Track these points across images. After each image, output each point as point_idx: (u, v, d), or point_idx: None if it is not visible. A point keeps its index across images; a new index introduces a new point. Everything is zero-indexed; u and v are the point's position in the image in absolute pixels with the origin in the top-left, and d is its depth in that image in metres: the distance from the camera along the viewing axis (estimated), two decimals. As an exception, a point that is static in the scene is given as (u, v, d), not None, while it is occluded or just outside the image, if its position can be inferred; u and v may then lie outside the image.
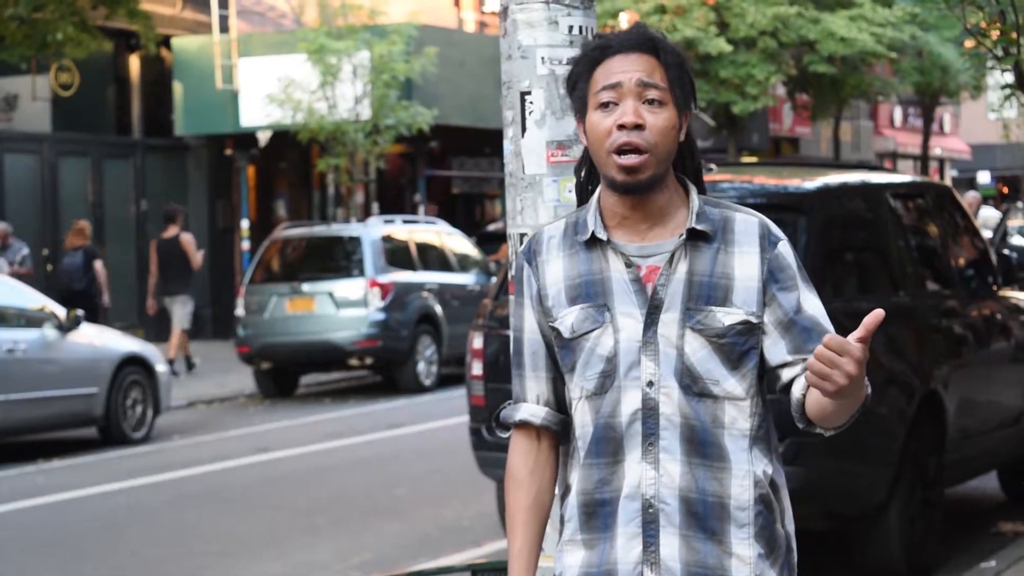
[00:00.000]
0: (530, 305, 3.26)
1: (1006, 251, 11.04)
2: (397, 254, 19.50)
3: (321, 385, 20.57)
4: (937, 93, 40.17)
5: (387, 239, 19.49)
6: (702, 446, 3.12)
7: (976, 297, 9.53)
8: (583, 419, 3.19)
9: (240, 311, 19.32)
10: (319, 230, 20.46)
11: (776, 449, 3.24)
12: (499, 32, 4.56)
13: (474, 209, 32.34)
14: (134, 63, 25.86)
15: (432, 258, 20.16)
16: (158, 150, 26.28)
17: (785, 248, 3.20)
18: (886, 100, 43.98)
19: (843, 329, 3.02)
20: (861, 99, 39.00)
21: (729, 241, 3.17)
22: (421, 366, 19.15)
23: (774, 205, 8.09)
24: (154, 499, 12.16)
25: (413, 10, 25.52)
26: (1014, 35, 7.75)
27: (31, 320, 14.77)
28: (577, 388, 3.20)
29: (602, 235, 3.18)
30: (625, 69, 3.14)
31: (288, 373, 19.60)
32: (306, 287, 18.98)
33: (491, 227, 25.47)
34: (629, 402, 3.13)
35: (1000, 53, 7.93)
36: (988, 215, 26.19)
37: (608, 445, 3.15)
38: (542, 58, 4.44)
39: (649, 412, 3.12)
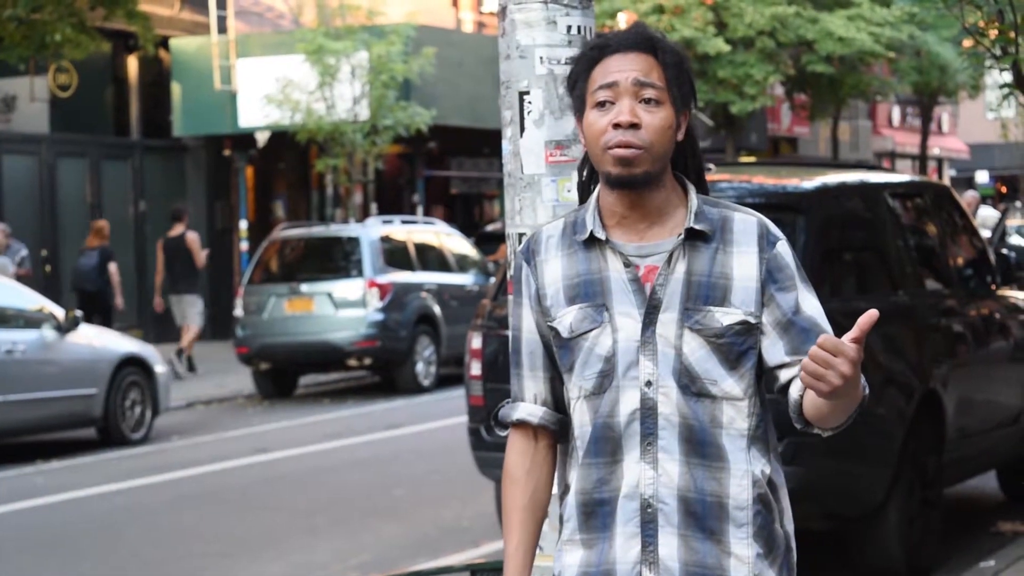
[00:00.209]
0: (528, 305, 3.26)
1: (1004, 250, 11.05)
2: (396, 254, 19.50)
3: (320, 386, 20.57)
4: (935, 93, 40.19)
5: (386, 239, 19.48)
6: (700, 446, 3.12)
7: (975, 296, 9.53)
8: (581, 419, 3.19)
9: (239, 312, 19.32)
10: (318, 231, 20.46)
11: (775, 449, 3.24)
12: (497, 32, 4.55)
13: (472, 209, 32.34)
14: (132, 64, 25.86)
15: (431, 258, 20.16)
16: (156, 151, 26.28)
17: (784, 248, 3.20)
18: (884, 100, 43.99)
19: (841, 329, 3.02)
20: (859, 99, 39.00)
21: (728, 241, 3.17)
22: (420, 366, 19.15)
23: (772, 205, 8.09)
24: (153, 500, 12.15)
25: (411, 10, 25.52)
26: (1012, 34, 7.75)
27: (30, 321, 14.77)
28: (575, 388, 3.20)
29: (600, 234, 3.18)
30: (622, 68, 3.14)
31: (287, 374, 19.60)
32: (305, 288, 18.98)
33: (490, 227, 25.46)
34: (627, 402, 3.13)
35: (998, 52, 7.93)
36: (986, 215, 26.19)
37: (607, 445, 3.15)
38: (540, 58, 4.44)
39: (647, 412, 3.12)
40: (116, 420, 15.19)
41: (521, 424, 3.28)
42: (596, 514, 3.16)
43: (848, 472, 8.01)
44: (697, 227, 3.16)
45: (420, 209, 28.52)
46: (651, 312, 3.14)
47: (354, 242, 19.15)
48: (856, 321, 2.91)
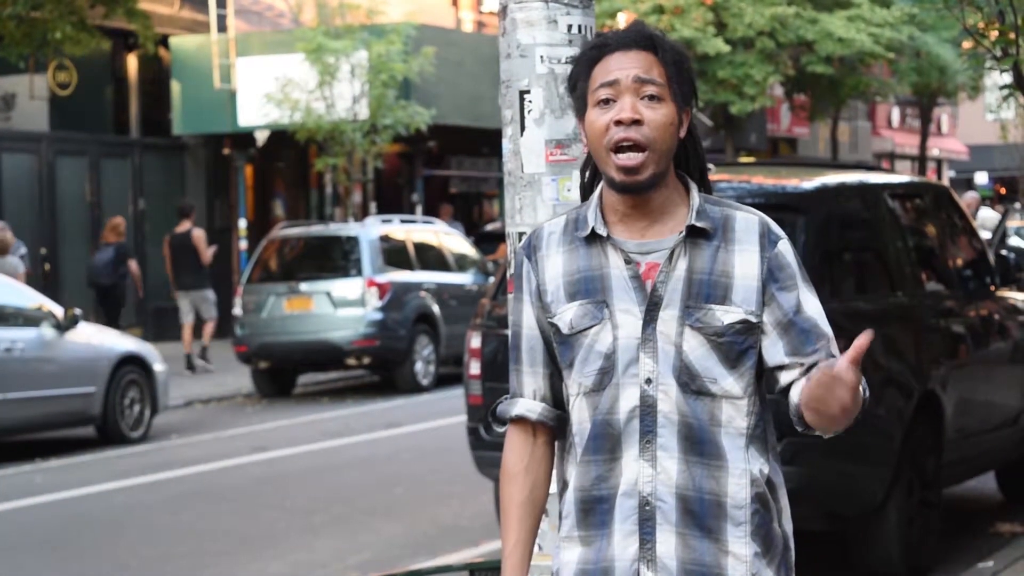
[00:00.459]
0: (529, 301, 3.26)
1: (1003, 251, 11.05)
2: (395, 254, 19.50)
3: (319, 385, 20.57)
4: (935, 94, 40.20)
5: (385, 239, 19.48)
6: (699, 444, 3.12)
7: (974, 297, 9.53)
8: (581, 415, 3.19)
9: (238, 310, 19.33)
10: (317, 230, 20.46)
11: (774, 448, 3.24)
12: (498, 31, 4.56)
13: (472, 209, 32.34)
14: (132, 62, 25.85)
15: (430, 258, 20.15)
16: (156, 149, 26.27)
17: (785, 247, 3.20)
18: (884, 101, 44.00)
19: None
20: (859, 99, 39.04)
21: (729, 239, 3.17)
22: (419, 366, 19.15)
23: (772, 205, 8.09)
24: (152, 498, 12.15)
25: (411, 10, 25.53)
26: (1012, 35, 7.75)
27: (29, 319, 14.77)
28: (575, 384, 3.20)
29: (602, 231, 3.18)
30: (623, 66, 3.14)
31: (286, 372, 19.61)
32: (304, 287, 18.98)
33: (489, 227, 25.47)
34: (627, 399, 3.13)
35: (999, 53, 7.93)
36: (987, 216, 26.20)
37: (606, 442, 3.15)
38: (541, 57, 4.44)
39: (647, 409, 3.12)
40: (115, 418, 15.19)
41: (519, 420, 3.28)
42: (594, 511, 3.16)
43: (847, 472, 8.02)
44: (699, 225, 3.16)
45: (420, 208, 28.52)
46: (652, 309, 3.14)
47: (353, 241, 19.15)
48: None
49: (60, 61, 23.56)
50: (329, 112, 23.32)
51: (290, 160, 28.25)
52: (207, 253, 20.92)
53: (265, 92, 23.99)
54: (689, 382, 3.12)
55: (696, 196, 3.21)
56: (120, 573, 9.64)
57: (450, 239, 21.08)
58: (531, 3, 4.45)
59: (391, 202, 28.15)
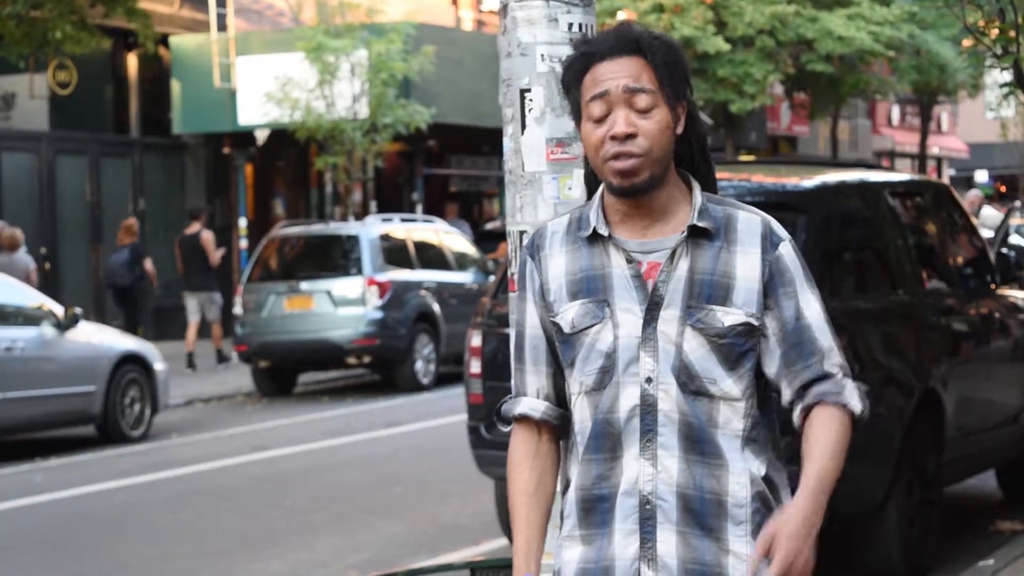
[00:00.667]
0: (532, 300, 3.26)
1: (1004, 250, 11.05)
2: (395, 253, 19.50)
3: (319, 383, 20.57)
4: (935, 92, 40.20)
5: (385, 238, 19.48)
6: (700, 443, 3.12)
7: (974, 296, 9.53)
8: (582, 414, 3.19)
9: (238, 309, 19.33)
10: (317, 229, 20.47)
11: (778, 447, 3.24)
12: (498, 30, 4.55)
13: (472, 208, 32.35)
14: (132, 61, 25.85)
15: (430, 257, 20.15)
16: (156, 149, 26.27)
17: (786, 250, 3.19)
18: (884, 99, 44.00)
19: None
20: (859, 98, 39.04)
21: (731, 240, 3.16)
22: (419, 364, 19.15)
23: (772, 203, 8.08)
24: (152, 497, 12.15)
25: (411, 9, 25.54)
26: (1013, 33, 7.75)
27: (29, 318, 14.77)
28: (576, 383, 3.20)
29: (603, 231, 3.18)
30: (612, 76, 3.12)
31: (286, 371, 19.61)
32: (304, 285, 18.98)
33: (489, 225, 25.47)
34: (627, 398, 3.13)
35: (999, 51, 7.93)
36: (989, 214, 26.18)
37: (606, 441, 3.15)
38: (542, 55, 4.43)
39: (647, 408, 3.12)
40: (115, 418, 15.19)
41: (524, 419, 3.28)
42: (595, 510, 3.16)
43: (847, 471, 7.98)
44: (700, 224, 3.15)
45: (420, 207, 28.53)
46: (652, 308, 3.13)
47: (353, 240, 19.16)
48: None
49: (60, 60, 23.56)
50: (329, 111, 23.32)
51: (290, 159, 28.25)
52: (215, 255, 21.10)
53: (265, 91, 24.00)
54: (688, 382, 3.12)
55: (699, 195, 3.20)
56: (120, 572, 9.64)
57: (450, 238, 21.09)
58: (532, 1, 4.45)
59: (391, 201, 28.15)
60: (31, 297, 15.17)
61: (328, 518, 10.88)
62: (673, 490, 3.11)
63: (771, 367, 3.16)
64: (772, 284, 3.15)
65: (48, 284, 21.70)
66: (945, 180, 44.71)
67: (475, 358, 9.21)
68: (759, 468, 3.16)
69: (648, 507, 3.11)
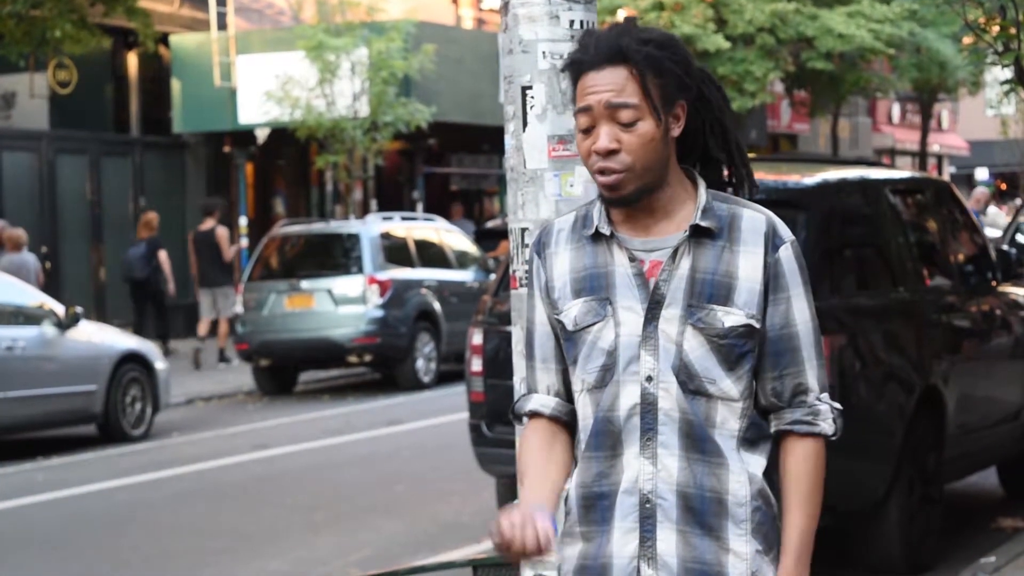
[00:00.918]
0: (539, 297, 3.27)
1: (1005, 247, 11.05)
2: (395, 251, 19.50)
3: (320, 382, 20.57)
4: (935, 89, 40.18)
5: (385, 236, 19.49)
6: (700, 442, 3.11)
7: (975, 293, 9.53)
8: (584, 412, 3.20)
9: (239, 308, 19.33)
10: (317, 227, 20.47)
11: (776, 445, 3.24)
12: (500, 27, 4.55)
13: (473, 206, 32.35)
14: (132, 60, 25.85)
15: (431, 255, 20.15)
16: (156, 148, 26.27)
17: (787, 253, 3.17)
18: (884, 96, 43.98)
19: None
20: (859, 95, 39.03)
21: (735, 239, 3.15)
22: (420, 363, 19.14)
23: (773, 201, 8.05)
24: (153, 496, 12.16)
25: (411, 7, 25.53)
26: (1013, 31, 7.75)
27: (30, 317, 14.77)
28: (579, 381, 3.20)
29: (606, 230, 3.18)
30: (595, 89, 3.10)
31: (287, 370, 19.61)
32: (305, 284, 18.98)
33: (489, 224, 25.47)
34: (628, 396, 3.13)
35: (1000, 49, 7.93)
36: (995, 212, 26.20)
37: (607, 439, 3.15)
38: (543, 52, 4.43)
39: (648, 407, 3.12)
40: (116, 416, 15.19)
41: (535, 415, 3.28)
42: (595, 507, 3.16)
43: (849, 468, 8.01)
44: (703, 224, 3.15)
45: (420, 206, 28.53)
46: (653, 307, 3.13)
47: (354, 239, 19.15)
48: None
49: (60, 59, 23.56)
50: (329, 110, 23.31)
51: (291, 158, 28.25)
52: (230, 251, 21.21)
53: (265, 90, 23.99)
54: (687, 381, 3.12)
55: (703, 194, 3.19)
56: (121, 571, 9.64)
57: (451, 236, 21.09)
58: (533, -1, 4.44)
59: (392, 199, 28.15)
60: (32, 296, 15.17)
61: (329, 516, 10.88)
62: (673, 489, 3.10)
63: (759, 367, 3.18)
64: (770, 287, 3.15)
65: (49, 283, 21.69)
66: (946, 177, 44.72)
67: (476, 356, 9.21)
68: (757, 467, 3.15)
69: (648, 505, 3.11)
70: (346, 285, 18.90)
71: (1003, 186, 50.49)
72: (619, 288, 3.15)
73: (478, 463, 9.40)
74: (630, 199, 3.13)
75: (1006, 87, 8.59)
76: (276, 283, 19.10)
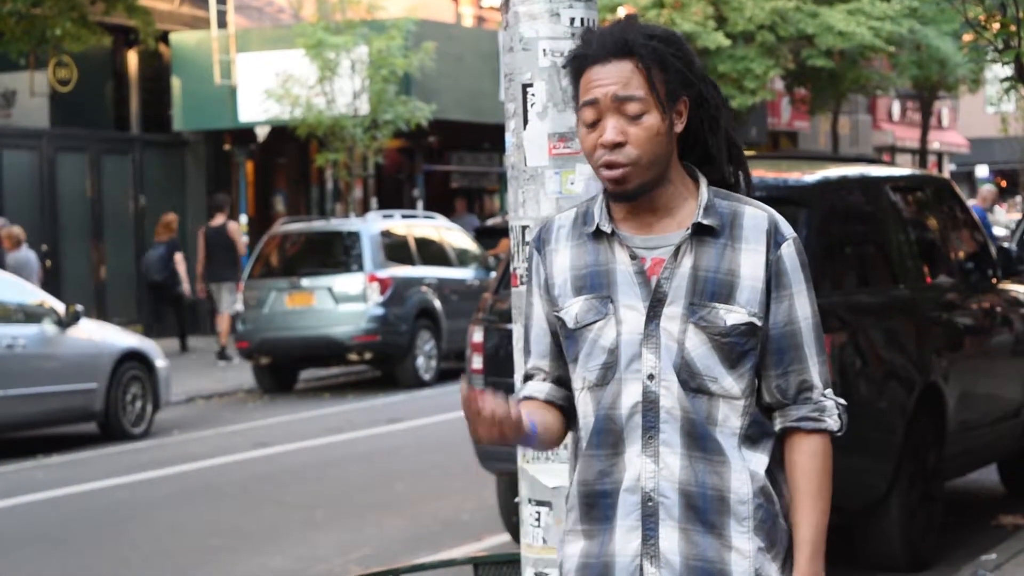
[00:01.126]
0: (539, 293, 3.26)
1: (1005, 244, 11.05)
2: (396, 249, 19.49)
3: (320, 380, 20.57)
4: (935, 87, 40.18)
5: (386, 234, 19.48)
6: (701, 440, 3.11)
7: (976, 290, 9.53)
8: (585, 410, 3.19)
9: (239, 306, 19.33)
10: (318, 225, 20.47)
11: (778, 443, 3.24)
12: (500, 25, 4.55)
13: (473, 204, 32.36)
14: (132, 59, 25.85)
15: (431, 253, 20.15)
16: (156, 146, 26.27)
17: (789, 251, 3.17)
18: (884, 94, 43.99)
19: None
20: (859, 93, 39.00)
21: (737, 237, 3.15)
22: (420, 361, 19.14)
23: (774, 198, 8.05)
24: (154, 494, 12.16)
25: (411, 5, 25.52)
26: (1014, 28, 7.75)
27: (30, 315, 14.77)
28: (579, 379, 3.19)
29: (606, 228, 3.17)
30: (601, 83, 3.10)
31: (287, 368, 19.60)
32: (305, 282, 18.98)
33: (490, 222, 25.47)
34: (629, 395, 3.13)
35: (1000, 46, 7.93)
36: (999, 211, 26.22)
37: (608, 437, 3.15)
38: (544, 50, 4.43)
39: (649, 405, 3.12)
40: (117, 415, 15.19)
41: (528, 400, 3.26)
42: (597, 506, 3.16)
43: (849, 465, 8.00)
44: (705, 222, 3.14)
45: (420, 204, 28.53)
46: (655, 305, 3.13)
47: (354, 236, 19.15)
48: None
49: (60, 58, 23.56)
50: (329, 108, 23.31)
51: (291, 156, 28.24)
52: (243, 245, 21.43)
53: (265, 88, 23.99)
54: (689, 379, 3.11)
55: (705, 192, 3.18)
56: (122, 568, 9.64)
57: (451, 234, 21.08)
58: (533, -3, 4.45)
59: (392, 197, 28.16)
60: (32, 294, 15.17)
61: (329, 514, 10.88)
62: (675, 487, 3.10)
63: (760, 365, 3.17)
64: (771, 285, 3.15)
65: (49, 281, 21.69)
66: (946, 175, 44.72)
67: (477, 354, 9.21)
68: (759, 465, 3.15)
69: (650, 504, 3.11)
70: (346, 283, 18.89)
71: (1003, 183, 50.49)
72: (620, 286, 3.15)
73: (478, 461, 9.40)
74: (634, 193, 3.12)
75: (1006, 84, 8.59)
76: (276, 281, 19.10)
